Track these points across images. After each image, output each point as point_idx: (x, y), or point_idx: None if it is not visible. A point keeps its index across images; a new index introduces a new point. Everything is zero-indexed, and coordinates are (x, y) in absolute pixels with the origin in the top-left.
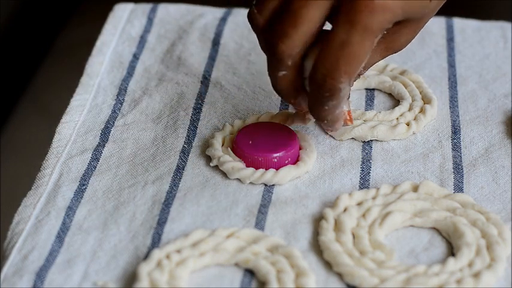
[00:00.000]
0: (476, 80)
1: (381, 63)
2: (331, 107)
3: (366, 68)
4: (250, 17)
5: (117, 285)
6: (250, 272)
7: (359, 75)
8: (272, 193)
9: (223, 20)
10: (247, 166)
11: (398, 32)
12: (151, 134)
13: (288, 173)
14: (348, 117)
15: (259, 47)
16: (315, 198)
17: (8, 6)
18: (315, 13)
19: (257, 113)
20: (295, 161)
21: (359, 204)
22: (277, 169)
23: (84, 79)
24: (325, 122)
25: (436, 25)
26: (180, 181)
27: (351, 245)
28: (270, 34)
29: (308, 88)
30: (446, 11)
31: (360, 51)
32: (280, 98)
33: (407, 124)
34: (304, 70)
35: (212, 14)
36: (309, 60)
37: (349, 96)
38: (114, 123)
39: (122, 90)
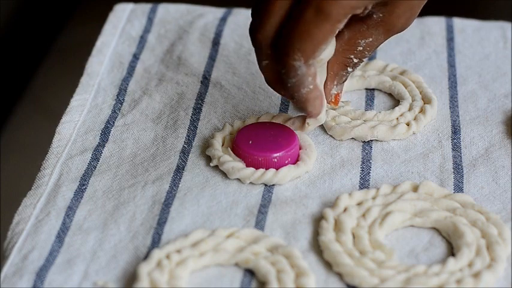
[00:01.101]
0: (476, 80)
1: (381, 63)
2: (293, 85)
3: (370, 51)
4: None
5: (117, 285)
6: (250, 272)
7: (362, 59)
8: (272, 193)
9: (223, 20)
10: (247, 166)
11: (394, 13)
12: (151, 134)
13: (288, 173)
14: (333, 99)
15: None
16: (315, 198)
17: (8, 6)
18: (283, 1)
19: (257, 113)
20: (295, 161)
21: (359, 204)
22: (277, 169)
23: (84, 79)
24: (294, 101)
25: (436, 25)
26: (180, 181)
27: (351, 245)
28: (250, 25)
29: None
30: (446, 11)
31: (316, 32)
32: (280, 98)
33: (407, 124)
34: None
35: (212, 14)
36: None
37: (344, 81)
38: (114, 123)
39: (122, 90)
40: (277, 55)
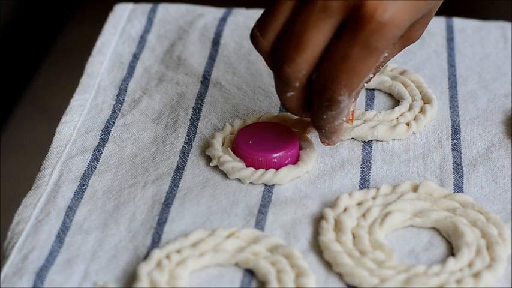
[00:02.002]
0: (476, 80)
1: None
2: (330, 116)
3: (382, 65)
4: (254, 40)
5: (117, 285)
6: (250, 272)
7: (376, 73)
8: (272, 193)
9: (223, 20)
10: (247, 166)
11: (413, 28)
12: (151, 134)
13: (288, 173)
14: (350, 117)
15: None
16: (315, 198)
17: (8, 6)
18: (319, 36)
19: (257, 113)
20: (295, 161)
21: (359, 204)
22: (277, 169)
23: (84, 79)
24: (323, 131)
25: (436, 25)
26: (180, 181)
27: (351, 245)
28: (275, 57)
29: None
30: (446, 11)
31: (362, 67)
32: None
33: (408, 124)
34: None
35: (212, 14)
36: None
37: (357, 97)
38: (114, 123)
39: (122, 90)
40: (318, 90)
